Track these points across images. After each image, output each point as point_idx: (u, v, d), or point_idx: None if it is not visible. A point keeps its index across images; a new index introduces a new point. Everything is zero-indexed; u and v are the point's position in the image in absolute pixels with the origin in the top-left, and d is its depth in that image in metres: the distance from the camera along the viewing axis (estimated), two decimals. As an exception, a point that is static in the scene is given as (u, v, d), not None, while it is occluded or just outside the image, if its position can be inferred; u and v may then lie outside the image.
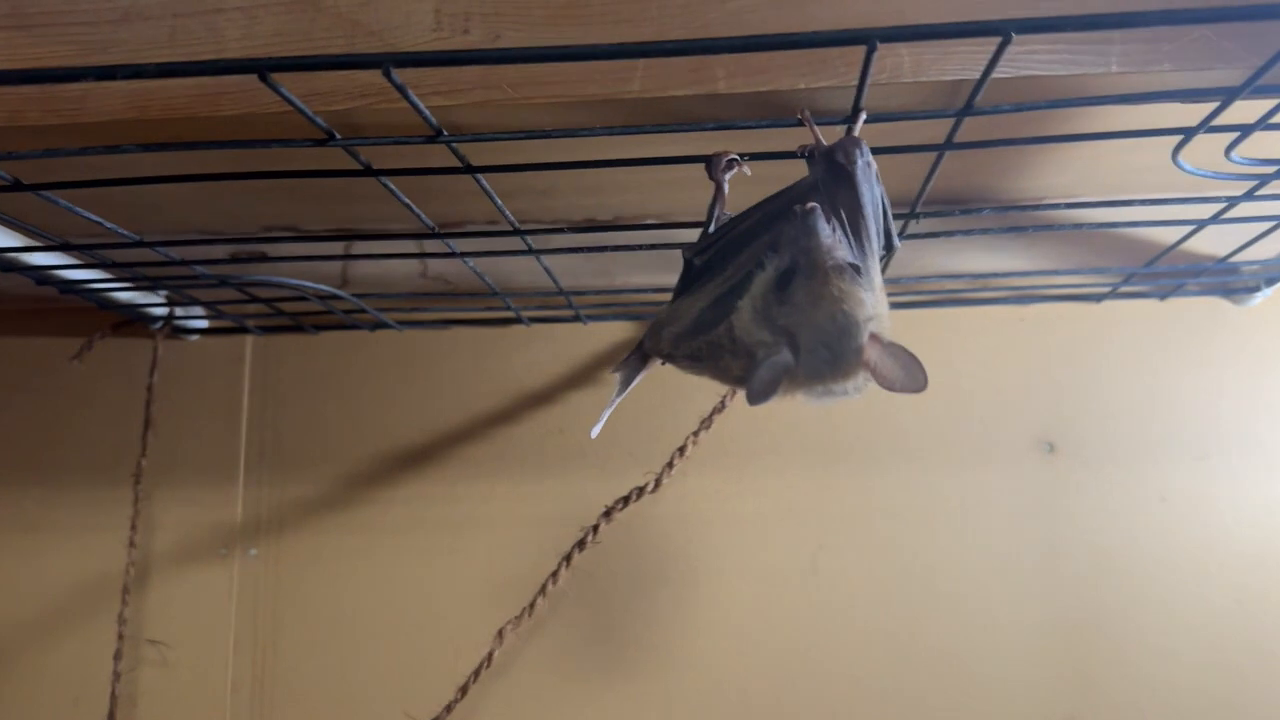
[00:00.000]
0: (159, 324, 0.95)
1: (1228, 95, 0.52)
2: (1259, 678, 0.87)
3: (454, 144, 0.55)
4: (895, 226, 0.56)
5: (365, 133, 0.57)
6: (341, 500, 0.97)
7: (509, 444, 0.97)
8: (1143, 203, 0.68)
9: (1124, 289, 0.89)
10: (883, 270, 0.55)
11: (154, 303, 0.94)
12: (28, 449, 1.00)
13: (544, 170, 0.59)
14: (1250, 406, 0.92)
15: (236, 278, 0.81)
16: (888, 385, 0.48)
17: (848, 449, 0.94)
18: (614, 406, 0.59)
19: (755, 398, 0.49)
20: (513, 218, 0.68)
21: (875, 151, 0.57)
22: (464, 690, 0.81)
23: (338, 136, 0.55)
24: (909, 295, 0.92)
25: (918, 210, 0.66)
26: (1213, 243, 0.84)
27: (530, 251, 0.74)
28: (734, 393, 0.89)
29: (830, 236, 0.49)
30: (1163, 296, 0.92)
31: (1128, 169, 0.79)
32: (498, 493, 0.96)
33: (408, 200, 0.64)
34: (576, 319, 0.94)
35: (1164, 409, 0.92)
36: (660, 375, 0.95)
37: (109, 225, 0.67)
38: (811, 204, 0.50)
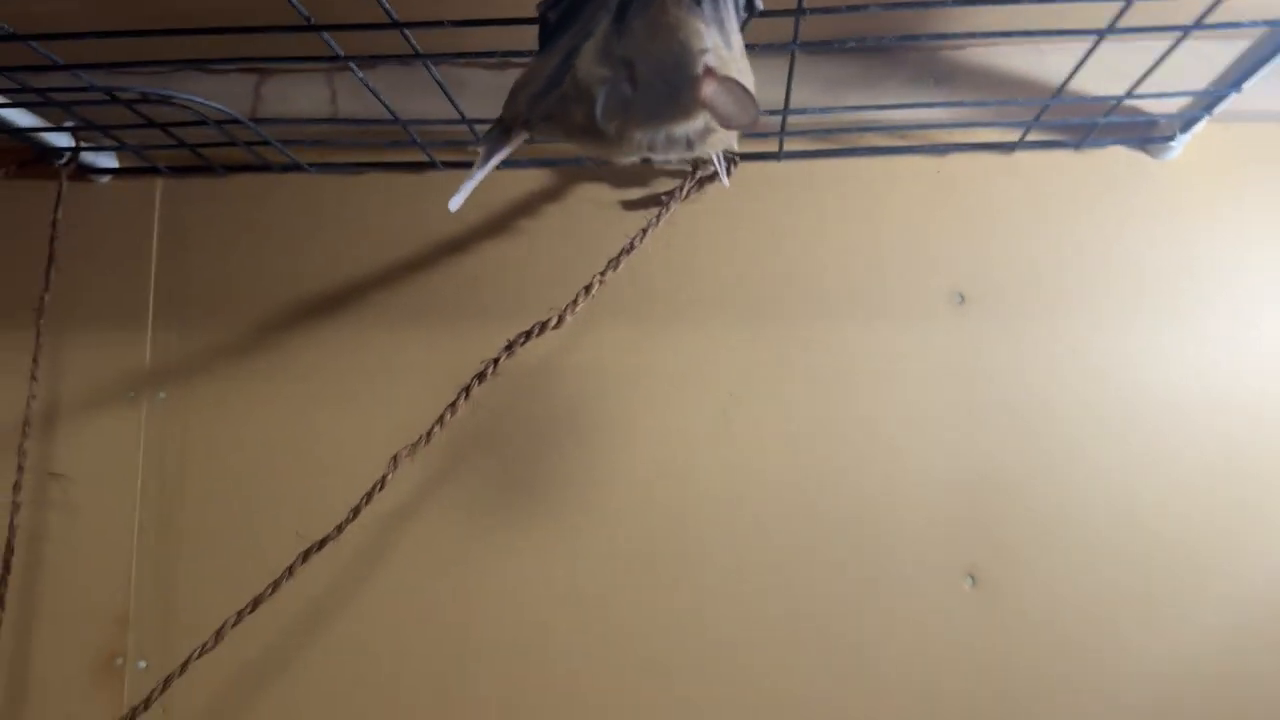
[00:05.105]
0: (64, 159, 0.94)
1: None
2: (1170, 535, 0.87)
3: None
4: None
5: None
6: (249, 346, 0.96)
7: (422, 293, 0.96)
8: (1043, 34, 0.67)
9: (1037, 137, 0.88)
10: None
11: (61, 142, 0.92)
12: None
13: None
14: (1169, 265, 0.90)
15: (127, 90, 0.80)
16: (724, 122, 0.47)
17: (762, 302, 0.93)
18: (476, 180, 0.58)
19: (603, 121, 0.47)
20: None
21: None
22: (356, 511, 0.80)
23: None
24: (825, 144, 0.90)
25: (804, 4, 0.65)
26: (1124, 81, 0.82)
27: (418, 56, 0.72)
28: (643, 234, 0.88)
29: (672, -38, 0.48)
30: (1077, 145, 0.90)
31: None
32: (408, 341, 0.95)
33: None
34: (489, 162, 0.92)
35: (1078, 264, 0.91)
36: (577, 229, 0.95)
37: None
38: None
